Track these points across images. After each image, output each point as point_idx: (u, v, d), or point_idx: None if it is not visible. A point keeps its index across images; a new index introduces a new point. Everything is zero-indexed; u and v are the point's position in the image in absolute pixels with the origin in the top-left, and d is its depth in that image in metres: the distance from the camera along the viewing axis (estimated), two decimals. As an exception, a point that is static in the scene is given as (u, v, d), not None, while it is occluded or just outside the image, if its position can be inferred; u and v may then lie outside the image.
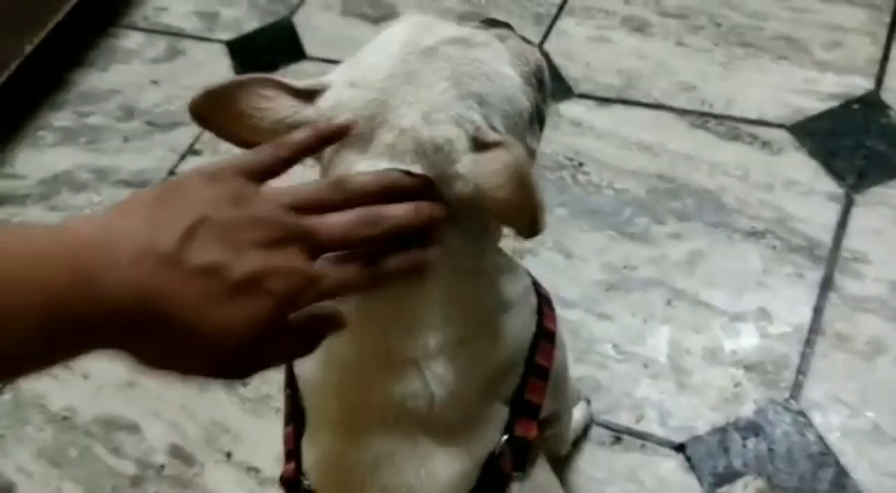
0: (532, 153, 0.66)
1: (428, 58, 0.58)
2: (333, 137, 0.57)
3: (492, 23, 0.70)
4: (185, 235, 0.45)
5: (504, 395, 0.68)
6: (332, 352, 0.62)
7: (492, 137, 0.56)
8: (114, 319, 0.43)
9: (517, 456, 0.67)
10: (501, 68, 0.61)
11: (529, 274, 0.75)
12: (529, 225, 0.55)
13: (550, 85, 0.71)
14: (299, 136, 0.54)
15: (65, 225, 0.45)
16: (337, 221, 0.50)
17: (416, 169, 0.56)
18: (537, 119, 0.67)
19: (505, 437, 0.66)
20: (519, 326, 0.69)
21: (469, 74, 0.58)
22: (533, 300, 0.72)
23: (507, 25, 0.70)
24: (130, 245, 0.44)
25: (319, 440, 0.67)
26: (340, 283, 0.50)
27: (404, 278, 0.55)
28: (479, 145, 0.56)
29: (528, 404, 0.68)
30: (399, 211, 0.53)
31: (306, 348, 0.52)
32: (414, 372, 0.61)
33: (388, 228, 0.52)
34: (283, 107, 0.60)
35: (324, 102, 0.60)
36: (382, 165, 0.56)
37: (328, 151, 0.59)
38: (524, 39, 0.70)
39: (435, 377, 0.61)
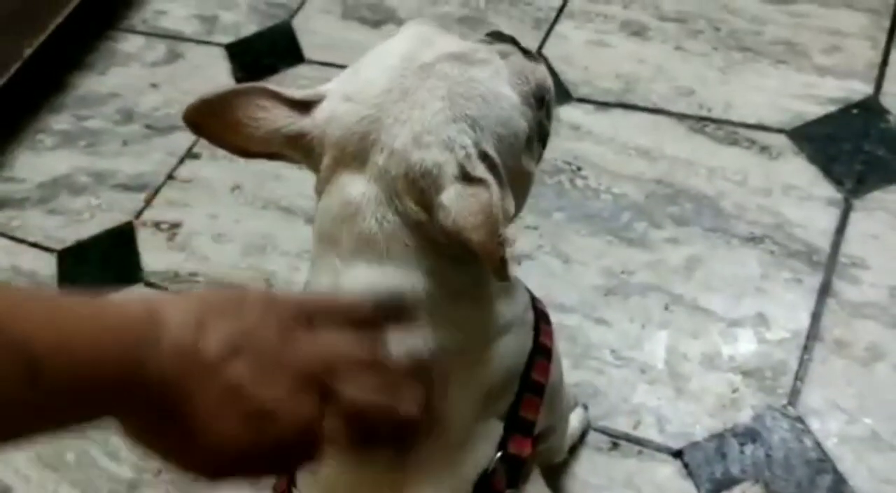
0: (528, 175, 0.65)
1: (425, 74, 0.58)
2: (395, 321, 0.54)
3: (497, 36, 0.69)
4: (229, 351, 0.47)
5: (499, 411, 0.68)
6: None
7: (478, 171, 0.55)
8: (134, 395, 0.45)
9: (510, 473, 0.67)
10: (499, 88, 0.60)
11: (527, 289, 0.75)
12: (496, 272, 0.55)
13: (555, 102, 0.70)
14: (364, 308, 0.53)
15: (112, 303, 0.46)
16: (361, 398, 0.50)
17: (407, 201, 0.57)
18: (538, 138, 0.66)
19: (499, 454, 0.66)
20: (516, 345, 0.69)
21: (464, 95, 0.58)
22: (530, 317, 0.72)
23: (512, 40, 0.69)
24: (176, 340, 0.46)
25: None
26: (337, 447, 0.50)
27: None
28: (466, 176, 0.55)
29: (522, 420, 0.68)
30: (414, 411, 0.52)
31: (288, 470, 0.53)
32: None
33: (399, 422, 0.52)
34: (278, 117, 0.60)
35: (319, 114, 0.60)
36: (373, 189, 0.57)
37: (325, 166, 0.60)
38: (529, 54, 0.68)
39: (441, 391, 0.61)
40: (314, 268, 0.64)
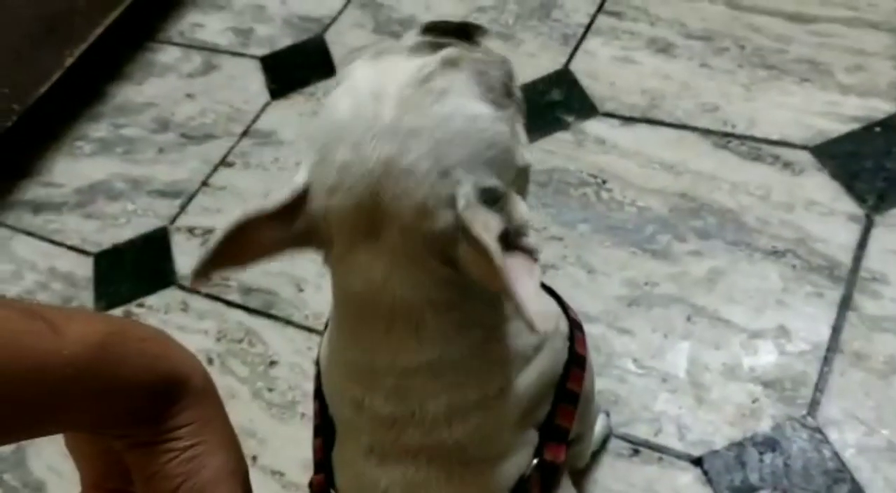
0: (526, 166, 0.62)
1: (395, 136, 0.53)
2: None
3: (433, 30, 0.63)
4: None
5: (536, 422, 0.69)
6: (364, 409, 0.63)
7: (479, 216, 0.53)
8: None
9: (545, 479, 0.68)
10: (472, 111, 0.56)
11: (559, 298, 0.76)
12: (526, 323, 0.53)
13: (517, 84, 0.64)
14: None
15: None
16: None
17: (430, 262, 0.55)
18: (521, 121, 0.64)
19: (535, 461, 0.67)
20: (551, 360, 0.69)
21: (444, 140, 0.54)
22: (564, 327, 0.73)
23: (451, 30, 0.62)
24: None
25: (350, 462, 0.68)
26: None
27: None
28: (468, 236, 0.53)
29: (558, 428, 0.69)
30: None
31: None
32: (447, 425, 0.63)
33: None
34: (271, 239, 0.58)
35: (312, 210, 0.57)
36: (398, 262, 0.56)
37: (337, 249, 0.57)
38: (472, 40, 0.63)
39: (484, 418, 0.64)
40: (339, 341, 0.65)
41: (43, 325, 0.41)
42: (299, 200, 0.57)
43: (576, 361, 0.72)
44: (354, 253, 0.57)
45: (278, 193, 0.57)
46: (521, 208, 0.57)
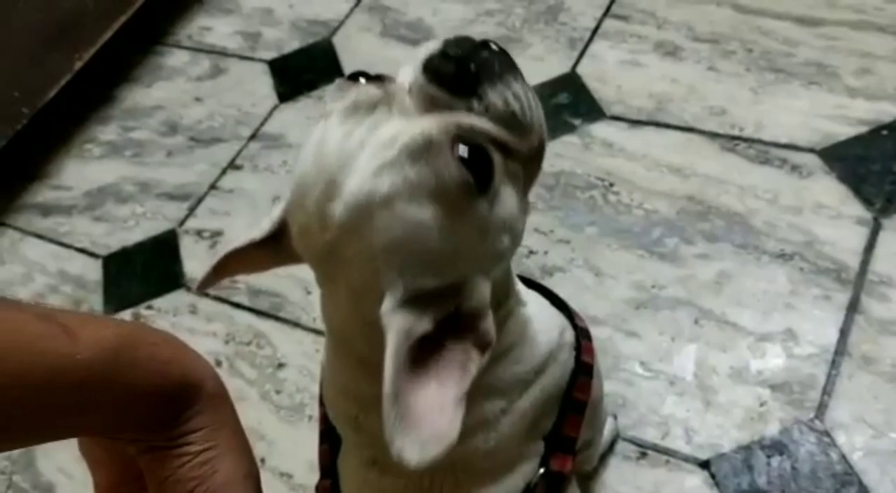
0: (515, 235, 0.57)
1: (340, 226, 0.51)
2: None
3: (436, 74, 0.53)
4: None
5: (543, 432, 0.69)
6: (362, 426, 0.64)
7: (388, 336, 0.50)
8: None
9: (551, 488, 0.68)
10: (416, 217, 0.51)
11: (566, 305, 0.75)
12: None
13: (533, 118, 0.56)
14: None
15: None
16: None
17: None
18: (521, 172, 0.57)
19: (541, 470, 0.67)
20: (557, 373, 0.69)
21: (381, 246, 0.51)
22: (569, 337, 0.72)
23: (456, 79, 0.53)
24: None
25: (355, 470, 0.68)
26: None
27: None
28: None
29: (565, 438, 0.69)
30: None
31: None
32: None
33: None
34: (265, 259, 0.63)
35: (291, 241, 0.58)
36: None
37: (311, 219, 0.55)
38: (478, 94, 0.53)
39: (486, 438, 0.64)
40: (328, 362, 0.67)
41: (58, 329, 0.42)
42: (284, 226, 0.59)
43: (582, 369, 0.71)
44: (324, 288, 0.58)
45: (263, 222, 0.62)
46: (481, 292, 0.54)
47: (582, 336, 0.73)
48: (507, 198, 0.55)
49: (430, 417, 0.48)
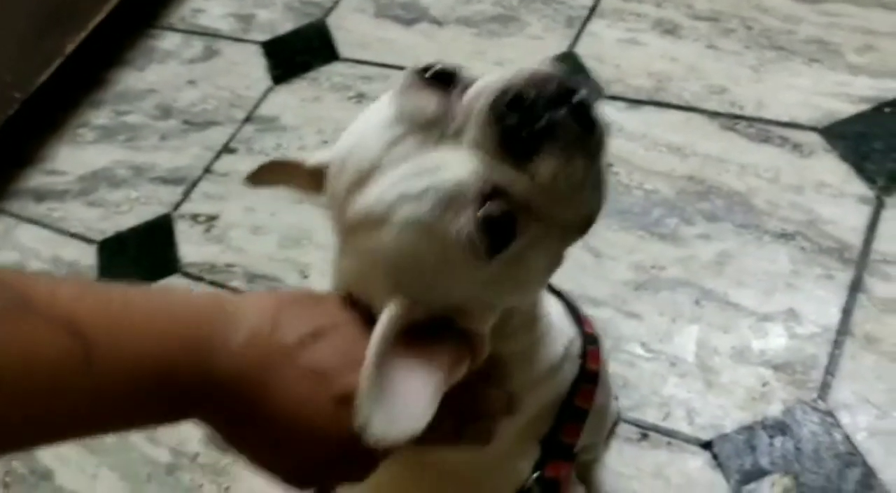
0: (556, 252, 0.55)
1: (370, 225, 0.51)
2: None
3: (523, 121, 0.48)
4: (310, 335, 0.46)
5: (538, 435, 0.68)
6: None
7: (376, 330, 0.50)
8: (210, 394, 0.44)
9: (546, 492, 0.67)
10: (417, 250, 0.49)
11: (575, 309, 0.73)
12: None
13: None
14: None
15: (179, 295, 0.46)
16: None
17: None
18: (559, 234, 0.54)
19: (535, 475, 0.66)
20: (557, 383, 0.68)
21: (392, 265, 0.50)
22: (575, 350, 0.70)
23: (537, 137, 0.48)
24: (248, 330, 0.45)
25: None
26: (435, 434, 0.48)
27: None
28: None
29: (562, 445, 0.68)
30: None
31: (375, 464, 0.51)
32: None
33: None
34: (302, 182, 0.62)
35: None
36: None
37: (341, 192, 0.53)
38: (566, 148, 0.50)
39: None
40: None
41: (78, 347, 0.40)
42: (325, 170, 0.56)
43: (587, 377, 0.70)
44: (342, 247, 0.56)
45: (319, 154, 0.59)
46: (481, 321, 0.53)
47: (589, 343, 0.71)
48: (531, 260, 0.52)
49: (407, 395, 0.47)
